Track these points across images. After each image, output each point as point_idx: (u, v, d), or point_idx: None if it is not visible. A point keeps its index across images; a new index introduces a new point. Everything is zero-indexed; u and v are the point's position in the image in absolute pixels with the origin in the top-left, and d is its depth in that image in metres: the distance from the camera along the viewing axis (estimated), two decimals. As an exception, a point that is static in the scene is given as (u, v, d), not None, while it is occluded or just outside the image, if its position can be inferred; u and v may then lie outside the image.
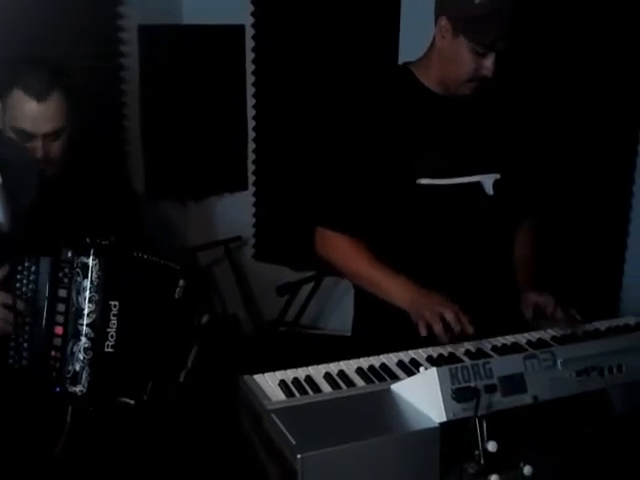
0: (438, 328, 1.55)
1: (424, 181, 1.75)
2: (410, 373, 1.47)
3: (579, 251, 2.74)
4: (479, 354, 1.58)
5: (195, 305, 1.80)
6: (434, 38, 1.75)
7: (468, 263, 1.81)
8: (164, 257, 1.74)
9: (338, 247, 1.80)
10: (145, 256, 1.70)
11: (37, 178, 1.57)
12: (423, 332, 1.56)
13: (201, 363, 1.79)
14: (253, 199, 3.56)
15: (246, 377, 1.43)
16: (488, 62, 1.67)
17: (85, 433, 1.66)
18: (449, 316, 1.55)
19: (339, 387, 1.42)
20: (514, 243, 1.94)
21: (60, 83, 1.74)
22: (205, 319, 1.81)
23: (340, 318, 3.25)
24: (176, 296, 1.74)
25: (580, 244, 2.75)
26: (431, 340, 1.60)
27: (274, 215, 3.49)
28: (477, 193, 1.80)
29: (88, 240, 1.62)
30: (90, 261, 1.60)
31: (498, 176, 1.82)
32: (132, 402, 1.67)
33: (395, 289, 1.70)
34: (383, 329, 1.83)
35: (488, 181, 1.81)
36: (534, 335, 1.70)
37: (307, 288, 3.27)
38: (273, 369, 1.46)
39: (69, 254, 1.63)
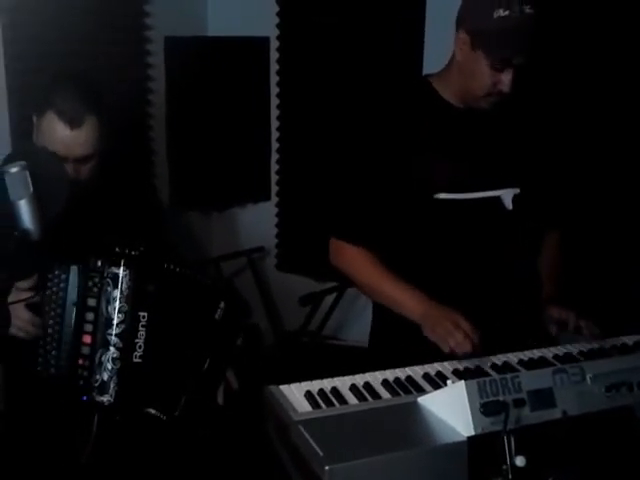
0: (450, 346, 1.56)
1: (442, 196, 1.74)
2: (436, 386, 1.47)
3: (606, 264, 2.72)
4: (506, 368, 1.57)
5: (234, 328, 1.79)
6: (454, 51, 1.74)
7: (486, 278, 1.80)
8: (200, 274, 1.74)
9: (352, 259, 1.80)
10: (177, 269, 1.70)
11: (68, 188, 1.59)
12: (446, 349, 1.57)
13: (242, 385, 1.79)
14: (276, 209, 3.57)
15: (272, 387, 1.43)
16: (506, 78, 1.65)
17: (112, 442, 1.67)
18: (459, 337, 1.55)
19: (365, 399, 1.42)
20: (541, 257, 1.93)
21: (94, 109, 1.74)
22: (239, 341, 1.81)
23: (362, 329, 3.21)
24: (216, 317, 1.74)
25: (606, 257, 2.72)
26: (445, 354, 1.60)
27: (297, 225, 3.50)
28: (496, 208, 1.79)
29: (118, 250, 1.63)
30: (120, 271, 1.61)
31: (517, 191, 1.81)
32: (164, 417, 1.66)
33: (407, 301, 1.70)
34: (400, 341, 1.82)
35: (507, 196, 1.79)
36: (561, 349, 1.69)
37: (330, 299, 3.27)
38: (295, 379, 1.46)
39: (99, 263, 1.63)
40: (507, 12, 1.60)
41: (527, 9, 1.61)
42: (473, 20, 1.66)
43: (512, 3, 1.60)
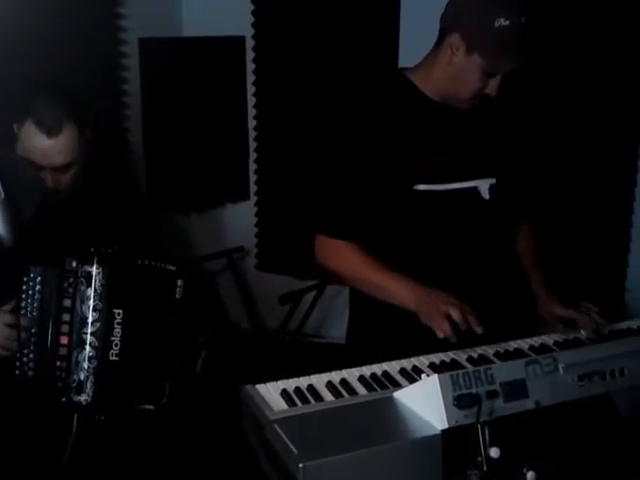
0: (445, 327, 1.55)
1: (421, 187, 1.75)
2: (412, 380, 1.47)
3: (582, 253, 2.75)
4: (481, 360, 1.58)
5: (198, 303, 1.81)
6: (437, 49, 1.74)
7: (466, 267, 1.81)
8: (162, 260, 1.75)
9: (339, 254, 1.80)
10: (151, 263, 1.70)
11: (39, 193, 1.58)
12: (440, 335, 1.56)
13: (207, 371, 1.79)
14: (255, 209, 3.57)
15: (248, 387, 1.43)
16: (494, 82, 1.67)
17: (93, 442, 1.67)
18: (455, 314, 1.55)
19: (341, 396, 1.42)
20: (515, 246, 1.94)
21: (73, 117, 1.74)
22: (210, 333, 1.82)
23: (343, 326, 3.20)
24: (177, 296, 1.74)
25: (583, 246, 2.75)
26: (422, 348, 1.60)
27: (276, 224, 3.50)
28: (473, 198, 1.80)
29: (92, 249, 1.63)
30: (94, 269, 1.61)
31: (494, 181, 1.82)
32: (152, 407, 1.68)
33: (400, 290, 1.70)
34: (377, 337, 1.83)
35: (484, 186, 1.81)
36: (537, 340, 1.71)
37: (309, 297, 3.27)
38: (276, 378, 1.46)
39: (73, 264, 1.63)
40: (507, 22, 1.60)
41: (524, 19, 1.62)
42: (471, 27, 1.64)
43: (513, 13, 1.60)
